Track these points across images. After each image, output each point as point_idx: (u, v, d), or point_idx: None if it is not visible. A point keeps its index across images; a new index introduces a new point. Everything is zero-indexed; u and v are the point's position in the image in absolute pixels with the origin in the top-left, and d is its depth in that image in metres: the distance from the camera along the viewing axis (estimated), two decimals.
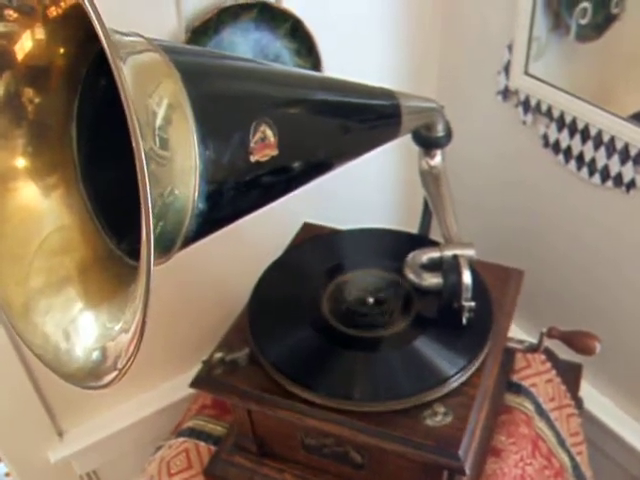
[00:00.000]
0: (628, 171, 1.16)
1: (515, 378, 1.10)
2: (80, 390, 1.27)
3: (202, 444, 1.05)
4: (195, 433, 1.06)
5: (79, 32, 0.69)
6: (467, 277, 0.87)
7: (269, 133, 0.73)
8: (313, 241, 1.06)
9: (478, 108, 1.37)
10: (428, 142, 1.00)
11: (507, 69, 1.27)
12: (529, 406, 1.07)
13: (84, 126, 0.78)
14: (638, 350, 1.26)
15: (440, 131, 0.99)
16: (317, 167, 0.81)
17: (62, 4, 0.69)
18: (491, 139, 1.38)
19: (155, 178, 0.61)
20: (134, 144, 0.54)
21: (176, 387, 1.31)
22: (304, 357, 0.89)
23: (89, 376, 0.67)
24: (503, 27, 1.26)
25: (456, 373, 0.87)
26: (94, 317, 0.69)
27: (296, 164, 0.78)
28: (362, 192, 1.42)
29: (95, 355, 0.67)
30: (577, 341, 0.91)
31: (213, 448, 1.04)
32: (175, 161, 0.63)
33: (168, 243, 0.68)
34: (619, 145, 1.15)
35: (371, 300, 0.94)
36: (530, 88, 1.25)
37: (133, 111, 0.54)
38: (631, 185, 1.16)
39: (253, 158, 0.71)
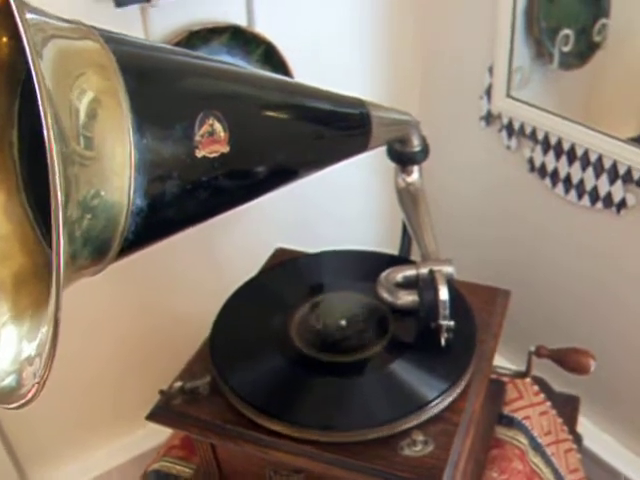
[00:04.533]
0: (618, 191, 1.07)
1: (507, 410, 0.98)
2: (49, 439, 1.17)
3: None
4: (161, 476, 0.95)
5: None
6: (444, 293, 0.77)
7: (218, 127, 0.65)
8: (283, 265, 0.97)
9: (461, 135, 1.29)
10: (404, 158, 0.92)
11: (489, 93, 1.20)
12: (522, 440, 0.95)
13: (25, 132, 0.70)
14: (637, 380, 1.15)
15: (416, 146, 0.91)
16: (277, 172, 0.73)
17: None
18: (476, 166, 1.30)
19: (77, 181, 0.53)
20: (47, 147, 0.47)
21: (148, 435, 1.19)
22: (270, 384, 0.78)
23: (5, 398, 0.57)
24: (484, 52, 1.19)
25: (436, 397, 0.76)
26: (16, 331, 0.60)
27: (251, 166, 0.69)
28: (344, 216, 1.34)
29: (10, 379, 0.58)
30: (569, 359, 0.80)
31: None
32: (102, 160, 0.55)
33: (101, 244, 0.59)
34: (607, 164, 1.07)
35: (343, 323, 0.84)
36: (513, 111, 1.18)
37: (47, 103, 0.47)
38: (622, 205, 1.08)
39: (199, 153, 0.63)
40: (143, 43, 0.70)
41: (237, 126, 0.66)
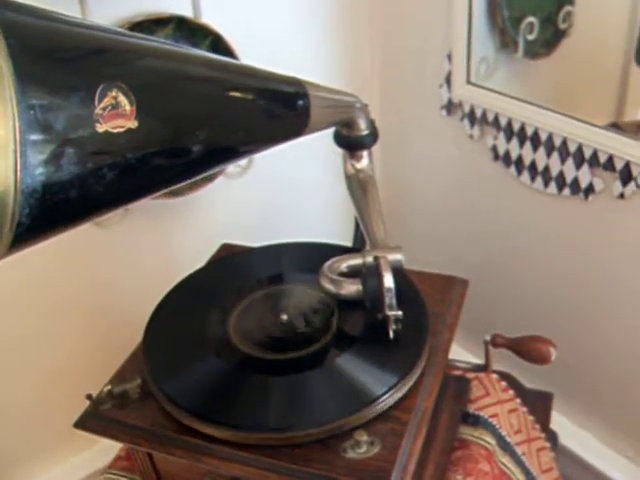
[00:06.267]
0: (584, 175, 1.00)
1: (472, 409, 0.90)
2: (10, 454, 1.09)
3: None
4: None
5: None
6: (388, 280, 0.69)
7: (123, 100, 0.57)
8: (225, 260, 0.89)
9: (423, 126, 1.22)
10: (351, 142, 0.85)
11: (449, 80, 1.13)
12: (489, 439, 0.87)
13: None
14: (615, 374, 1.07)
15: (363, 129, 0.84)
16: (199, 153, 0.65)
17: None
18: (439, 157, 1.22)
19: None
20: None
21: (106, 449, 1.11)
22: (203, 385, 0.71)
23: None
24: (443, 39, 1.12)
25: (383, 394, 0.68)
26: None
27: (166, 144, 0.62)
28: (304, 212, 1.27)
29: None
30: (527, 348, 0.73)
31: None
32: None
33: None
34: (572, 147, 1.00)
35: (285, 317, 0.76)
36: (474, 97, 1.11)
37: None
38: (589, 190, 1.00)
39: (101, 128, 0.56)
40: (46, 13, 0.63)
41: (147, 100, 0.59)
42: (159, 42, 0.70)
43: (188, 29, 1.01)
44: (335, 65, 1.20)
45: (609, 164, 0.96)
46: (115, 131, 0.57)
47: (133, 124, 0.58)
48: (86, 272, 1.06)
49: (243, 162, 1.13)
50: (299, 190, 1.24)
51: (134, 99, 0.58)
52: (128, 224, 1.05)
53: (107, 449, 1.10)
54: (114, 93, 0.57)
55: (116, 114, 0.57)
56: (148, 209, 1.07)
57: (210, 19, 1.02)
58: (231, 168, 1.13)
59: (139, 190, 0.63)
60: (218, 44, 1.03)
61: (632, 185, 0.94)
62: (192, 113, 0.64)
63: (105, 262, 1.07)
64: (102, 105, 0.56)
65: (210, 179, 1.07)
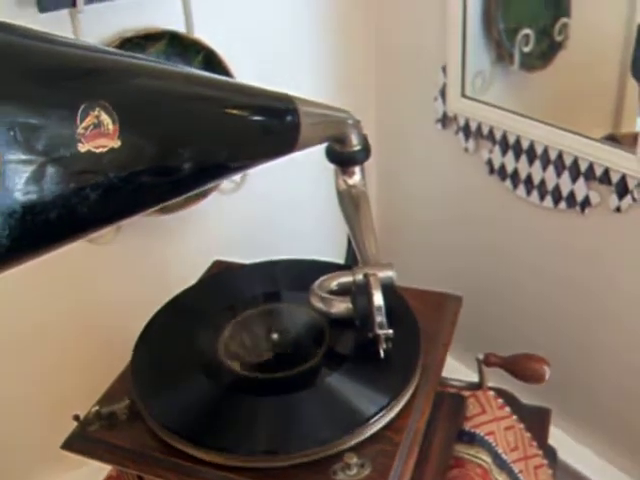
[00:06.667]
0: (580, 189, 0.99)
1: (468, 426, 0.88)
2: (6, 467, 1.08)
3: None
4: None
5: None
6: (378, 298, 0.68)
7: (106, 119, 0.56)
8: (215, 278, 0.88)
9: (418, 139, 1.21)
10: (343, 158, 0.84)
11: (443, 94, 1.12)
12: (485, 457, 0.85)
13: None
14: (614, 388, 1.05)
15: (355, 145, 0.83)
16: (184, 172, 0.64)
17: None
18: (435, 171, 1.21)
19: None
20: None
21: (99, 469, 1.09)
22: (191, 406, 0.69)
23: None
24: (438, 54, 1.12)
25: (374, 415, 0.66)
26: None
27: (150, 163, 0.61)
28: (299, 229, 1.26)
29: None
30: (521, 367, 0.71)
31: None
32: None
33: None
34: (568, 161, 0.98)
35: (275, 337, 0.75)
36: (469, 111, 1.10)
37: None
38: (585, 204, 0.99)
39: (83, 147, 0.55)
40: (26, 31, 0.62)
41: (131, 119, 0.58)
42: (143, 59, 0.69)
43: (180, 45, 1.01)
44: (330, 78, 1.20)
45: (605, 177, 0.95)
46: (97, 151, 0.56)
47: (116, 143, 0.57)
48: (78, 289, 1.05)
49: (237, 178, 1.12)
50: (292, 206, 1.23)
51: (117, 118, 0.57)
52: (121, 240, 1.04)
53: (98, 469, 1.09)
54: (96, 112, 0.56)
55: (98, 133, 0.56)
56: (141, 225, 1.06)
57: (202, 34, 1.02)
58: (225, 184, 1.12)
59: (125, 209, 0.62)
60: (211, 59, 1.02)
61: (628, 198, 0.93)
62: (178, 131, 0.63)
63: (97, 279, 1.06)
64: (84, 124, 0.55)
65: (203, 195, 1.06)
